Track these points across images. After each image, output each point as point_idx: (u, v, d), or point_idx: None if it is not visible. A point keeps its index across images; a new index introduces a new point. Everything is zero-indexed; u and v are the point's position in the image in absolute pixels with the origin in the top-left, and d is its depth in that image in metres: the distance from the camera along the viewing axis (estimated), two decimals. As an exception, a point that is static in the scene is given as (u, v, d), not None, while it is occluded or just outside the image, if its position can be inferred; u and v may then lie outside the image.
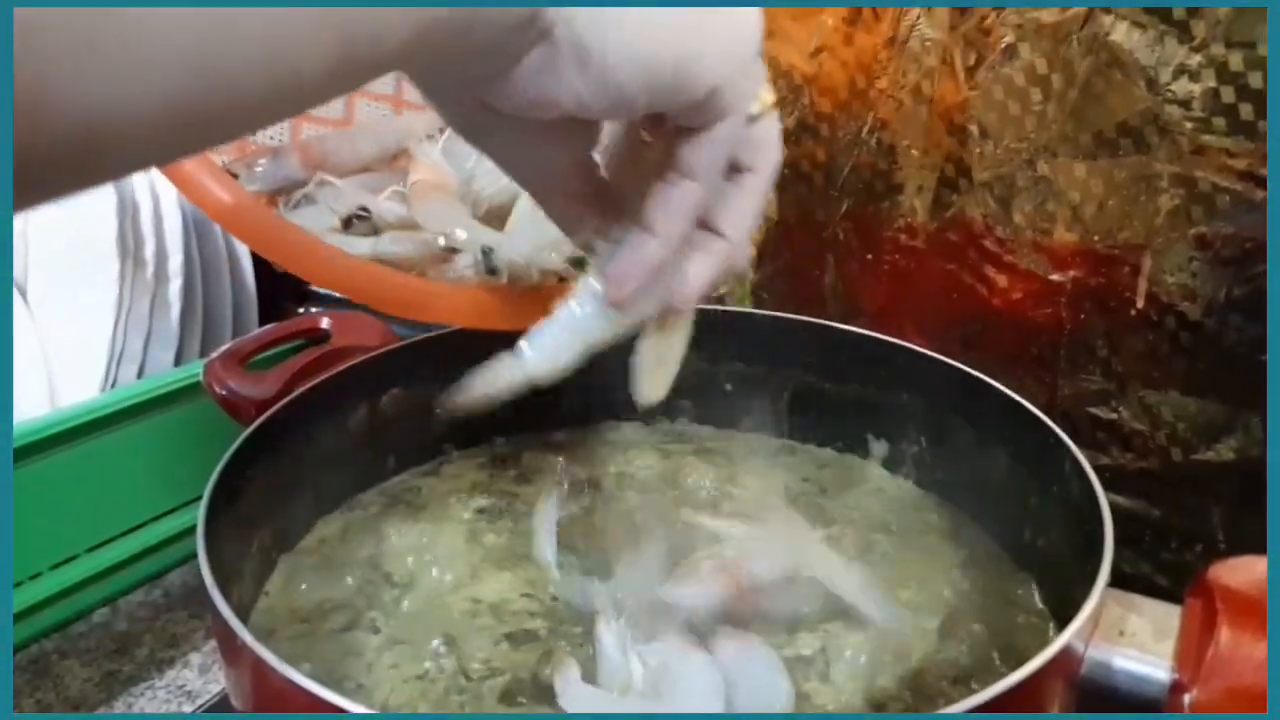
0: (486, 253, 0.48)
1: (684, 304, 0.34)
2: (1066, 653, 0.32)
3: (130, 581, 0.60)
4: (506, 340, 0.37)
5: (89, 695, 0.53)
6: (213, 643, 0.56)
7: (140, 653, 0.56)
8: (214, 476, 0.38)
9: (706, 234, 0.34)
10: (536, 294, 0.47)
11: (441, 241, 0.50)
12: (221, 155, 0.52)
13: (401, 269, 0.48)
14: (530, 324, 0.38)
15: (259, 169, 0.56)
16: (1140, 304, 0.56)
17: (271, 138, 0.58)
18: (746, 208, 0.33)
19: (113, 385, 0.63)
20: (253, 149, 0.58)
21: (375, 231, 0.54)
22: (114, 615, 0.59)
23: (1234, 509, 0.57)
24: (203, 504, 0.37)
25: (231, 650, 0.32)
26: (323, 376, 0.46)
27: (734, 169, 0.33)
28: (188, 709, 0.52)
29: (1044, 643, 0.32)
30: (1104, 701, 0.33)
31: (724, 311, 0.58)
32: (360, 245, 0.50)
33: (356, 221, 0.54)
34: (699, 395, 0.58)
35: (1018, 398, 0.46)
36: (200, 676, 0.54)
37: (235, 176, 0.48)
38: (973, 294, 0.60)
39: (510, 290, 0.48)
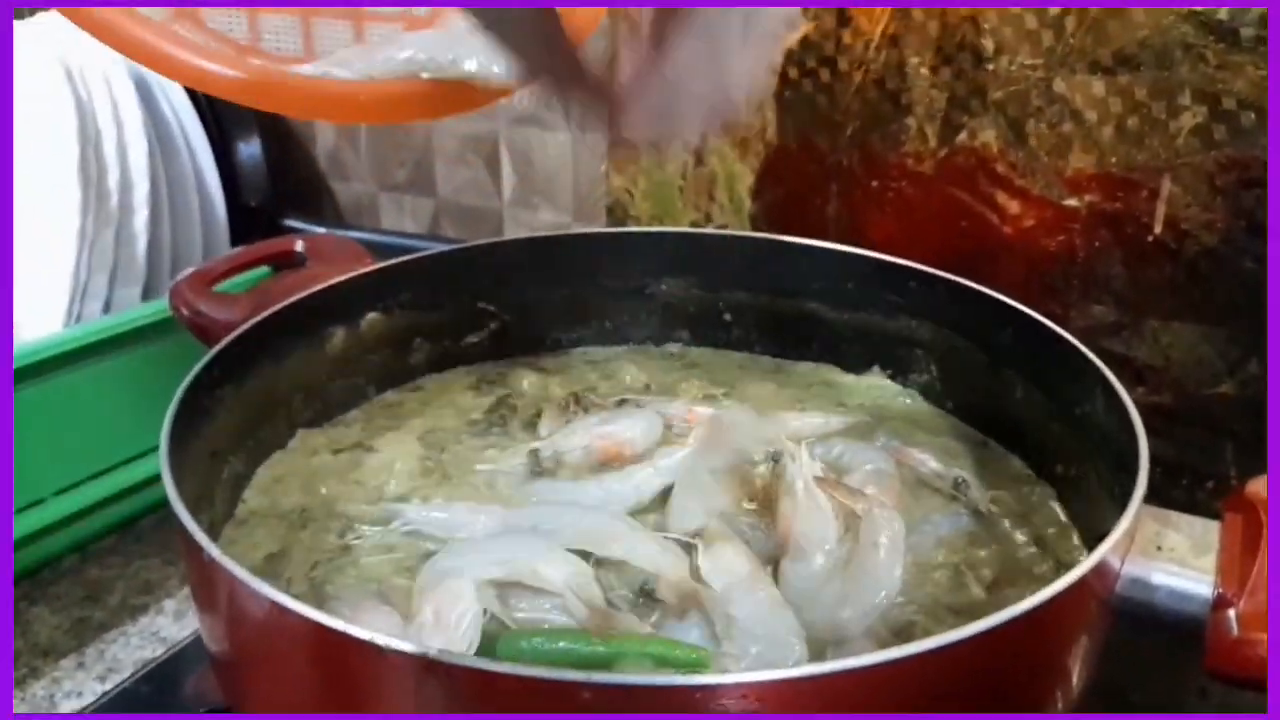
0: None
1: None
2: (1101, 569, 0.29)
3: (100, 527, 0.58)
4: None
5: (59, 642, 0.51)
6: (188, 589, 0.54)
7: (112, 600, 0.54)
8: (179, 393, 0.35)
9: None
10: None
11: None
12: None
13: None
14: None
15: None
16: (1158, 230, 0.54)
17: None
18: None
19: (76, 322, 0.60)
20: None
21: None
22: (84, 562, 0.57)
23: (1248, 443, 0.55)
24: (165, 422, 0.34)
25: (198, 566, 0.29)
26: (295, 297, 0.43)
27: None
28: (161, 654, 0.49)
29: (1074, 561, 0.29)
30: (1141, 622, 0.31)
31: (722, 236, 0.56)
32: (305, 67, 0.46)
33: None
34: (696, 325, 0.56)
35: (1039, 316, 0.43)
36: (175, 623, 0.52)
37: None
38: (982, 222, 0.58)
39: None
